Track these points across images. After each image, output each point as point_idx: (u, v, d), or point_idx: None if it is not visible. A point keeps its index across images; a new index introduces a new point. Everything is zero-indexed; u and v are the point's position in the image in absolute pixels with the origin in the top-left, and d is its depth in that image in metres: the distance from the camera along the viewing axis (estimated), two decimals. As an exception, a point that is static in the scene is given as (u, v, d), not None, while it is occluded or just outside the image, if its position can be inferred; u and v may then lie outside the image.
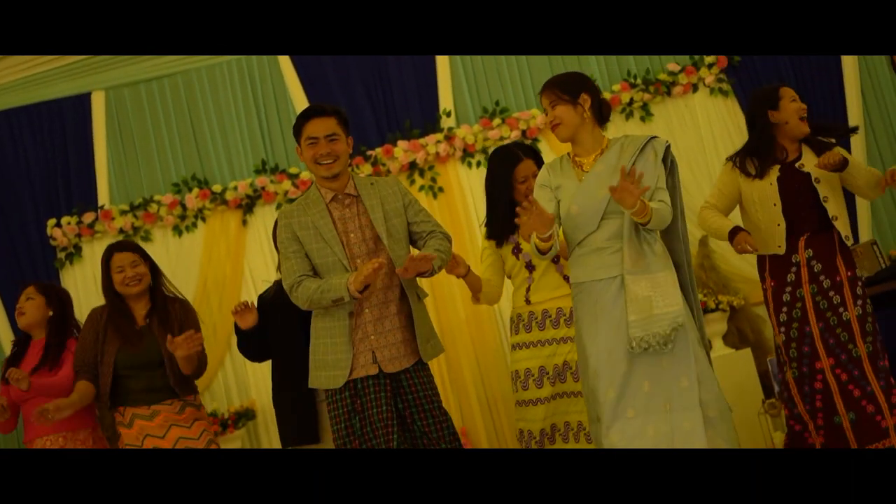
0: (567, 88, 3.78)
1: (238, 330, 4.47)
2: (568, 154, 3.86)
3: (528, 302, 4.37)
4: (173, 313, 4.52)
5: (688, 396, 3.52)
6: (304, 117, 4.01)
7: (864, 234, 6.71)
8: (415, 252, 3.87)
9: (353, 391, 3.87)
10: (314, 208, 3.98)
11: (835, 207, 4.38)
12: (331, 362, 3.91)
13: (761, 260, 4.53)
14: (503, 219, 4.43)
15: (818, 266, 4.36)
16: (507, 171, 4.43)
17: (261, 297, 4.67)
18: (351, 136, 4.08)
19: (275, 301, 4.46)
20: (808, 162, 4.42)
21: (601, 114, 3.83)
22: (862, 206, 6.70)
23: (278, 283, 4.36)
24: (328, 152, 3.94)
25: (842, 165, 4.30)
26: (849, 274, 4.35)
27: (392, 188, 4.07)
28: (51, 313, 4.81)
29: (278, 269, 4.69)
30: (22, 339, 4.85)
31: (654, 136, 3.76)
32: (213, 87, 6.94)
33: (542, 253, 3.74)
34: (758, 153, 4.52)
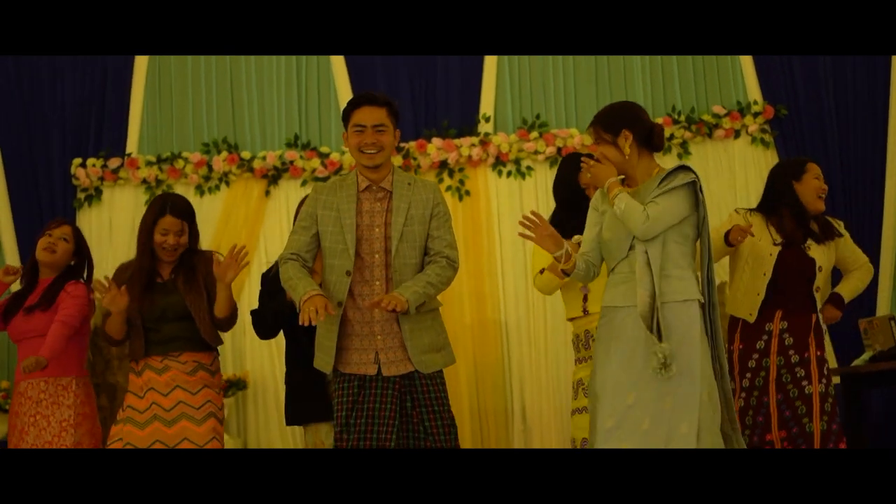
0: (608, 126, 3.78)
1: (254, 311, 4.49)
2: (622, 180, 3.83)
3: (585, 312, 4.39)
4: (199, 267, 4.50)
5: (684, 443, 3.47)
6: (355, 104, 3.98)
7: (883, 309, 6.66)
8: (385, 300, 3.74)
9: (360, 384, 3.88)
10: (345, 192, 3.97)
11: (822, 299, 4.50)
12: (325, 347, 3.94)
13: (734, 321, 4.58)
14: (571, 216, 4.44)
15: (790, 339, 4.41)
16: (573, 175, 4.50)
17: (264, 275, 4.69)
18: (399, 130, 4.05)
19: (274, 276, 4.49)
20: (814, 245, 4.48)
21: (650, 143, 3.79)
22: (884, 278, 6.68)
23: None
24: (373, 142, 3.92)
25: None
26: (818, 353, 4.39)
27: (427, 194, 4.02)
28: (72, 262, 4.83)
29: None
30: (31, 278, 4.83)
31: (685, 170, 3.72)
32: (258, 56, 6.93)
33: (566, 273, 3.77)
34: (768, 212, 4.60)
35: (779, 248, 4.46)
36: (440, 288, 3.93)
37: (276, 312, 4.41)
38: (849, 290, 4.65)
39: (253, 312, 4.58)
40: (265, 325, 4.53)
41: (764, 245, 4.48)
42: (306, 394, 4.37)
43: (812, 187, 4.54)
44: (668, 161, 6.67)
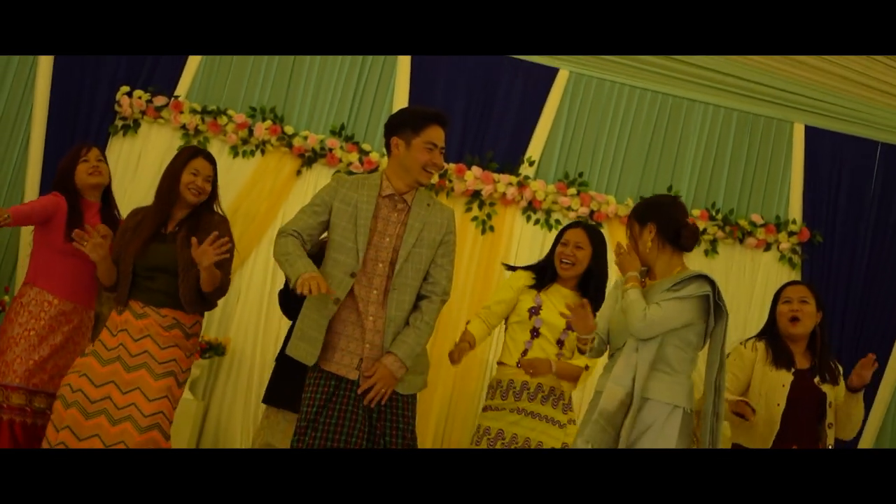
0: (639, 215, 3.92)
1: (285, 290, 4.56)
2: (647, 270, 3.90)
3: (518, 365, 4.52)
4: (203, 228, 4.52)
5: None
6: (433, 119, 4.02)
7: (867, 441, 6.73)
8: (379, 384, 3.87)
9: (336, 384, 3.91)
10: (366, 192, 4.01)
11: (832, 437, 4.48)
12: (310, 338, 3.95)
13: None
14: (543, 265, 4.84)
15: None
16: (561, 232, 4.87)
17: None
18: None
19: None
20: (825, 382, 4.54)
21: (676, 241, 3.84)
22: (875, 414, 6.73)
23: (321, 245, 4.37)
24: (439, 164, 4.02)
25: (860, 387, 4.41)
26: None
27: (441, 219, 4.08)
28: (108, 182, 5.08)
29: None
30: (76, 203, 4.94)
31: (700, 280, 3.75)
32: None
33: (580, 351, 3.96)
34: (769, 338, 4.68)
35: (791, 378, 4.49)
36: (432, 330, 4.05)
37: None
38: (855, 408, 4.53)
39: (281, 293, 4.61)
40: (292, 307, 4.57)
41: (774, 376, 4.50)
42: (294, 380, 4.40)
43: (782, 312, 4.65)
44: (693, 256, 6.73)
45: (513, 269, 4.99)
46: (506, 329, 4.86)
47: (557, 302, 4.65)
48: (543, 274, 4.82)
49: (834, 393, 4.48)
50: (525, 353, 4.63)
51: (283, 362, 4.59)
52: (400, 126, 4.04)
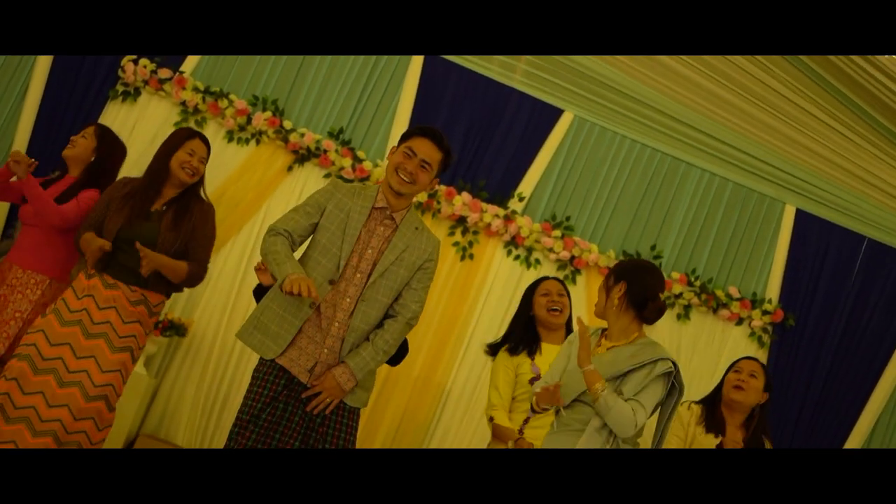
0: (615, 272, 3.95)
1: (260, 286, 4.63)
2: (602, 330, 3.94)
3: (520, 433, 4.53)
4: (192, 211, 4.59)
5: None
6: (420, 132, 4.09)
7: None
8: (324, 393, 3.92)
9: (287, 382, 3.95)
10: (360, 201, 4.05)
11: None
12: (273, 333, 3.96)
13: None
14: (521, 332, 4.84)
15: None
16: (533, 286, 4.94)
17: None
18: (438, 180, 4.19)
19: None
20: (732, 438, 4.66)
21: (639, 309, 3.87)
22: None
23: None
24: (412, 171, 4.03)
25: None
26: None
27: (426, 245, 4.12)
28: (93, 158, 4.95)
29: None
30: (62, 170, 5.00)
31: (665, 358, 3.77)
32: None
33: (534, 412, 3.97)
34: (707, 403, 4.86)
35: (713, 444, 4.59)
36: (391, 351, 4.07)
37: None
38: None
39: (257, 290, 4.68)
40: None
41: (701, 440, 4.65)
42: None
43: (729, 379, 4.83)
44: (665, 318, 6.82)
45: (493, 352, 5.00)
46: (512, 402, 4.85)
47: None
48: (526, 339, 4.83)
49: None
50: (527, 421, 4.65)
51: None
52: (400, 140, 4.13)
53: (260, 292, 4.72)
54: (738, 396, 4.71)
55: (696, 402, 4.88)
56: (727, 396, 4.76)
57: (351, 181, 6.75)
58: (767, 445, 4.74)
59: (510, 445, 4.57)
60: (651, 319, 3.90)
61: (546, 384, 3.78)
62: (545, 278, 5.05)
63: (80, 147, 4.99)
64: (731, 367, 4.86)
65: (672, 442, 4.72)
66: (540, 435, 4.50)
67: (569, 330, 4.88)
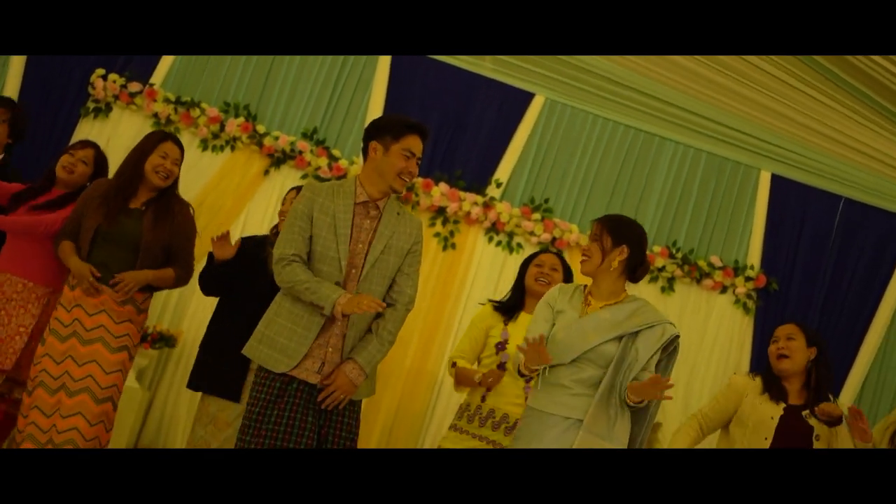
0: (612, 232, 3.95)
1: (210, 259, 4.65)
2: (584, 286, 3.99)
3: (482, 400, 4.60)
4: (173, 212, 4.68)
5: None
6: (412, 129, 4.09)
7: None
8: (339, 390, 3.97)
9: (284, 385, 3.96)
10: (342, 200, 4.07)
11: None
12: (282, 346, 3.97)
13: None
14: (515, 298, 4.90)
15: None
16: (530, 257, 4.98)
17: (246, 238, 4.88)
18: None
19: (260, 252, 4.66)
20: (814, 419, 4.61)
21: (633, 271, 3.97)
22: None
23: (273, 239, 4.51)
24: (413, 171, 4.08)
25: (836, 421, 4.48)
26: None
27: (410, 229, 4.16)
28: (87, 185, 5.07)
29: (274, 228, 4.89)
30: (43, 185, 5.02)
31: (670, 322, 3.90)
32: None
33: (521, 375, 3.95)
34: (765, 373, 4.81)
35: (780, 413, 4.60)
36: (395, 339, 4.13)
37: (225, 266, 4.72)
38: (843, 441, 4.55)
39: (209, 261, 4.77)
40: (212, 277, 4.82)
41: (765, 409, 4.63)
42: (218, 366, 4.64)
43: (771, 352, 4.78)
44: (649, 291, 6.91)
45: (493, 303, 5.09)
46: (478, 364, 4.94)
47: (525, 331, 4.74)
48: (509, 304, 4.92)
49: (821, 428, 4.56)
50: (490, 388, 4.72)
51: (212, 346, 4.75)
52: (381, 131, 4.10)
53: (206, 273, 4.80)
54: (785, 365, 4.68)
55: (756, 373, 4.88)
56: (776, 368, 4.73)
57: (328, 180, 6.82)
58: (834, 404, 4.69)
59: (477, 380, 4.62)
60: (639, 279, 4.00)
61: (532, 339, 3.72)
62: (545, 250, 5.14)
63: (79, 173, 5.07)
64: (771, 340, 4.85)
65: (712, 409, 4.77)
66: (502, 403, 4.60)
67: None
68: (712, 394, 6.82)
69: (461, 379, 4.76)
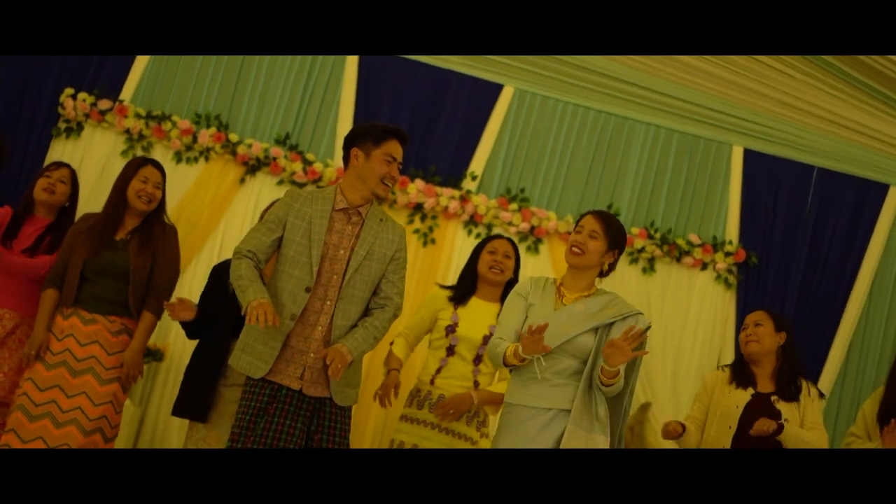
0: (614, 234, 4.07)
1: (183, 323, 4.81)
2: (554, 280, 4.07)
3: (432, 383, 4.67)
4: (155, 236, 4.73)
5: None
6: (393, 134, 4.17)
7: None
8: (329, 355, 3.96)
9: (272, 393, 4.02)
10: (320, 206, 4.13)
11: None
12: (257, 351, 4.05)
13: None
14: (466, 283, 4.96)
15: None
16: (482, 243, 5.07)
17: (220, 265, 4.95)
18: None
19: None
20: (781, 400, 4.68)
21: (610, 269, 4.14)
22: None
23: None
24: (395, 176, 4.16)
25: (776, 432, 4.52)
26: None
27: (393, 235, 4.23)
28: (67, 204, 5.16)
29: None
30: (23, 213, 5.04)
31: (641, 313, 4.01)
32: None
33: (505, 364, 3.99)
34: (735, 362, 4.95)
35: (747, 400, 4.68)
36: (381, 337, 4.17)
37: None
38: (796, 434, 4.59)
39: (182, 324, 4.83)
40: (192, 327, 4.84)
41: (732, 398, 4.71)
42: (202, 391, 4.68)
43: (741, 339, 4.91)
44: (631, 272, 6.98)
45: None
46: (429, 346, 5.02)
47: (476, 315, 4.82)
48: (461, 291, 4.97)
49: (790, 410, 4.63)
50: (439, 370, 4.79)
51: (192, 372, 4.80)
52: (361, 137, 4.17)
53: (188, 325, 4.87)
54: (754, 348, 4.78)
55: (727, 365, 4.99)
56: (745, 353, 4.85)
57: (304, 184, 6.87)
58: (808, 387, 4.78)
59: (383, 371, 4.73)
60: (609, 271, 4.14)
61: (536, 326, 3.76)
62: (497, 236, 5.16)
63: (60, 193, 5.14)
64: (741, 328, 4.96)
65: (696, 407, 4.85)
66: (451, 386, 4.67)
67: (506, 290, 4.94)
68: (699, 371, 6.93)
69: (386, 361, 4.87)
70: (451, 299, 4.93)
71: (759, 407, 4.64)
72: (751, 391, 4.71)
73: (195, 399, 4.77)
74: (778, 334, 4.85)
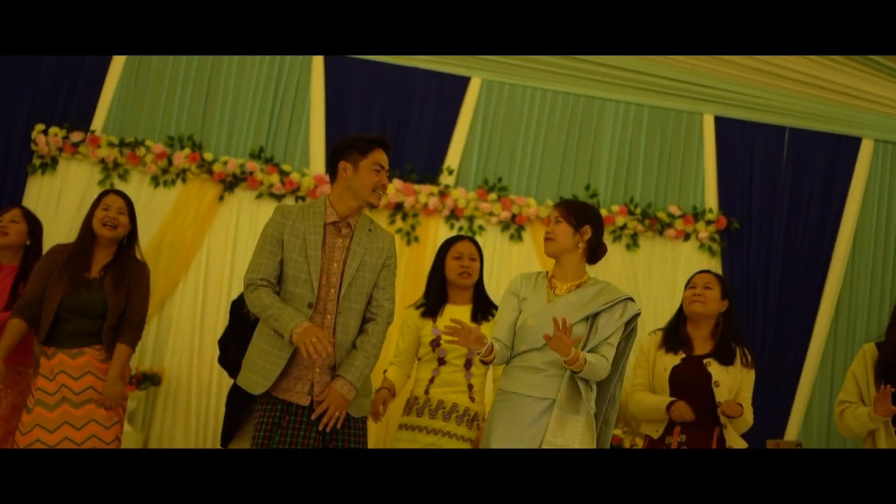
0: (575, 213, 4.10)
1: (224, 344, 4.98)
2: (546, 273, 4.12)
3: (426, 393, 4.71)
4: (128, 273, 4.77)
5: None
6: (379, 143, 4.19)
7: (792, 433, 7.05)
8: (332, 407, 4.01)
9: (284, 408, 4.05)
10: (312, 221, 4.14)
11: (723, 418, 4.60)
12: (259, 368, 4.08)
13: (646, 438, 4.79)
14: (434, 294, 4.96)
15: None
16: (446, 246, 5.03)
17: (235, 303, 5.03)
18: None
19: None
20: (715, 363, 4.69)
21: (595, 253, 4.14)
22: (798, 404, 7.13)
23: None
24: (385, 184, 4.18)
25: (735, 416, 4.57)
26: None
27: (383, 244, 4.25)
28: (28, 243, 5.11)
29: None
30: None
31: (631, 299, 4.05)
32: (240, 62, 7.23)
33: (486, 363, 4.03)
34: (668, 325, 4.93)
35: (676, 363, 4.71)
36: (380, 349, 4.20)
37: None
38: (744, 420, 4.67)
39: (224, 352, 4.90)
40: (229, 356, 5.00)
41: (662, 362, 4.75)
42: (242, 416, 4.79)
43: (686, 297, 4.88)
44: (615, 250, 7.05)
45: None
46: (419, 361, 5.01)
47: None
48: (432, 300, 4.99)
49: (724, 373, 4.66)
50: (432, 380, 4.81)
51: (231, 401, 4.92)
52: (347, 149, 4.17)
53: (225, 341, 4.94)
54: (698, 308, 4.77)
55: (660, 329, 5.00)
56: (688, 311, 4.84)
57: (283, 196, 6.93)
58: (743, 354, 4.79)
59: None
60: (598, 260, 4.16)
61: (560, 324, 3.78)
62: (458, 238, 5.13)
63: (14, 233, 5.08)
64: (687, 285, 4.95)
65: (639, 374, 4.87)
66: (445, 393, 4.71)
67: (476, 290, 5.00)
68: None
69: (384, 383, 4.87)
70: (424, 315, 4.94)
71: (688, 369, 4.68)
72: (682, 355, 4.74)
73: (224, 426, 5.01)
74: (722, 301, 4.85)
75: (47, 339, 4.70)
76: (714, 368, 4.65)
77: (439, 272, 5.00)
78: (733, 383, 4.67)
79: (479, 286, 5.03)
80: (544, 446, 3.83)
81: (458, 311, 4.86)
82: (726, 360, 4.69)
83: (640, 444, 6.40)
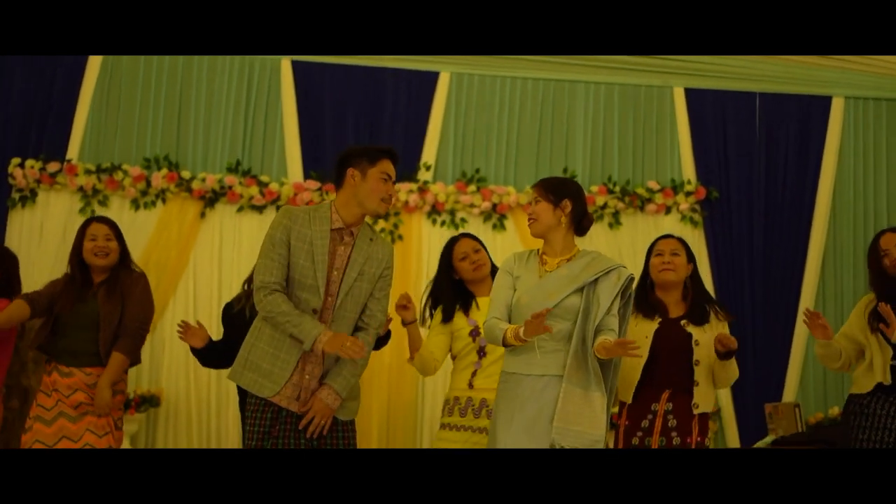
0: (553, 190, 4.13)
1: (193, 349, 4.85)
2: (538, 250, 4.16)
3: (470, 386, 4.68)
4: (121, 281, 4.81)
5: None
6: (386, 154, 4.19)
7: (789, 395, 7.10)
8: (317, 417, 4.04)
9: (274, 416, 4.07)
10: (318, 226, 4.13)
11: (700, 373, 4.58)
12: (265, 370, 4.07)
13: (622, 404, 4.73)
14: (451, 298, 4.83)
15: (673, 422, 4.52)
16: (447, 251, 4.93)
17: (228, 306, 5.01)
18: None
19: (244, 311, 4.86)
20: (691, 324, 4.66)
21: (580, 224, 4.16)
22: (793, 367, 7.16)
23: (250, 295, 4.65)
24: (393, 193, 4.19)
25: (729, 354, 4.54)
26: (699, 439, 4.51)
27: (382, 254, 4.23)
28: None
29: (246, 281, 4.97)
30: None
31: (623, 266, 4.09)
32: (210, 77, 7.25)
33: (504, 345, 4.04)
34: (638, 292, 4.80)
35: (655, 328, 4.67)
36: (367, 360, 4.21)
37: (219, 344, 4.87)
38: (732, 371, 4.65)
39: (193, 352, 4.90)
40: (211, 357, 4.91)
41: (640, 329, 4.68)
42: None
43: (654, 264, 4.79)
44: (598, 230, 7.10)
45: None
46: (453, 359, 4.90)
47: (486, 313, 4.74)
48: (460, 297, 4.86)
49: (702, 332, 4.61)
50: (475, 373, 4.77)
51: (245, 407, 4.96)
52: (356, 157, 4.16)
53: (196, 356, 4.95)
54: (670, 277, 4.70)
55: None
56: (659, 280, 4.76)
57: (264, 207, 6.97)
58: (719, 317, 4.81)
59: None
60: (586, 228, 4.17)
61: (537, 313, 3.81)
62: (456, 239, 5.04)
63: None
64: (652, 252, 4.86)
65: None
66: (490, 384, 4.66)
67: (494, 275, 4.97)
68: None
69: (416, 347, 4.72)
70: (446, 320, 4.79)
71: (668, 332, 4.64)
72: (658, 319, 4.70)
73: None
74: (688, 265, 4.81)
75: (45, 349, 4.78)
76: (692, 329, 4.66)
77: (447, 276, 4.91)
78: (710, 340, 4.62)
79: (495, 271, 4.98)
80: (555, 422, 3.87)
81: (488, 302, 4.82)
82: (701, 319, 4.69)
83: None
